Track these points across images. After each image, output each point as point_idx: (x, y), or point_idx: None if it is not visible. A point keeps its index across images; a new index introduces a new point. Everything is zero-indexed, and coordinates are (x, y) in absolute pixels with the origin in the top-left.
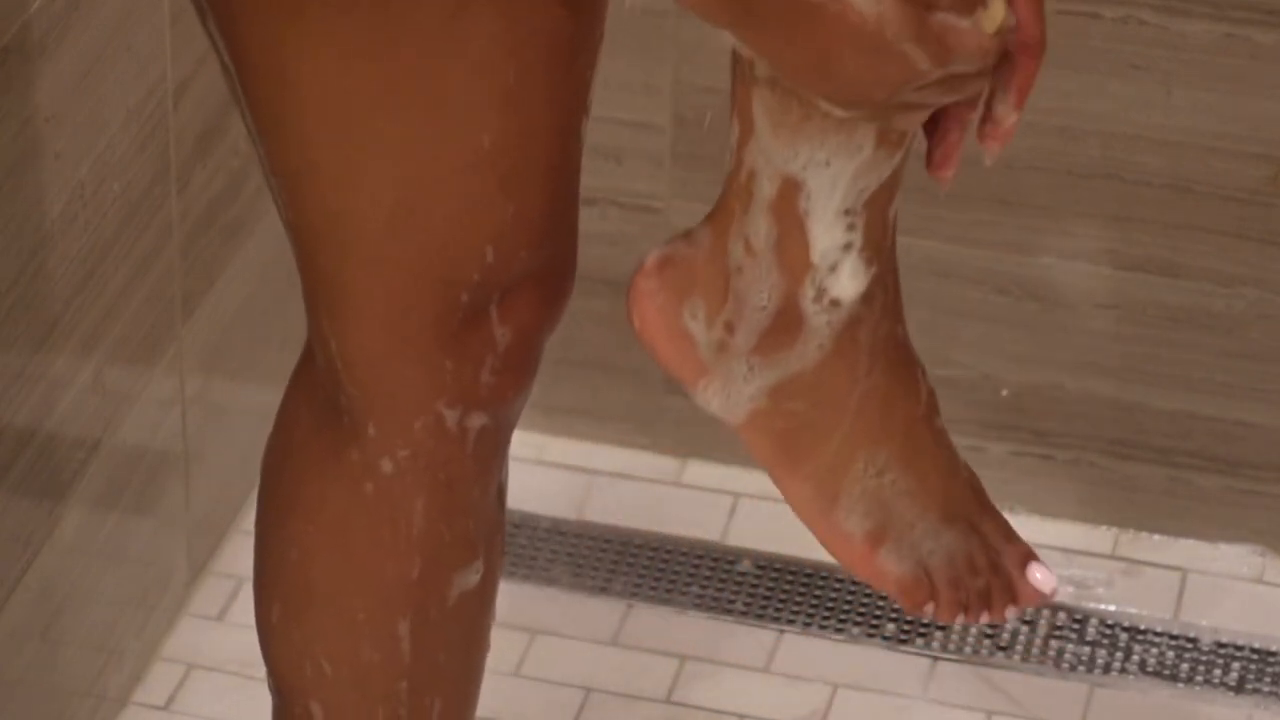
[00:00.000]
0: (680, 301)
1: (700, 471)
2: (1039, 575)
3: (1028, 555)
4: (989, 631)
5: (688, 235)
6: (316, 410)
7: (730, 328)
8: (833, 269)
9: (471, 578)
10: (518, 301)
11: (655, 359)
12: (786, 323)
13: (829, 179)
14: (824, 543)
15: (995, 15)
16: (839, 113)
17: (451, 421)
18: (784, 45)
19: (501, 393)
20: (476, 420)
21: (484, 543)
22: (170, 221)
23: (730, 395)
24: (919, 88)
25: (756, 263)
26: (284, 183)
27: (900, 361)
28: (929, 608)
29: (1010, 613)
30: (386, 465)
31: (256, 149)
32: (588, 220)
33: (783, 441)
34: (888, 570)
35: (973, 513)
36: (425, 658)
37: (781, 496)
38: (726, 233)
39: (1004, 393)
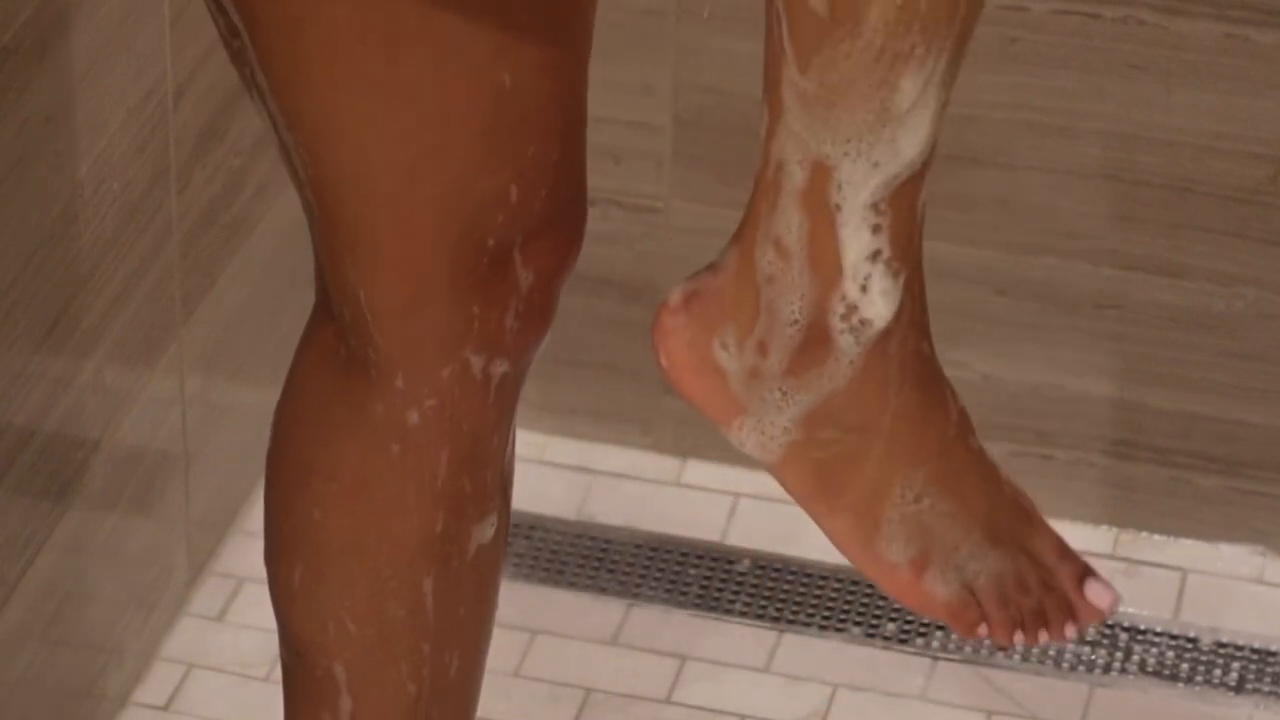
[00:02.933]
0: (710, 333)
1: (700, 471)
2: (1096, 590)
3: (1084, 571)
4: None
5: (711, 266)
6: (335, 371)
7: (763, 348)
8: (864, 288)
9: (488, 531)
10: (539, 245)
11: (686, 398)
12: (817, 337)
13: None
14: (868, 575)
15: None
16: None
17: (477, 369)
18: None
19: (524, 338)
20: (499, 367)
21: (498, 496)
22: (170, 221)
23: (765, 429)
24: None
25: (788, 266)
26: (302, 138)
27: (928, 379)
28: (982, 629)
29: (1070, 631)
30: (413, 417)
31: (268, 108)
32: (588, 220)
33: (819, 473)
34: (935, 595)
35: (1020, 532)
36: (446, 613)
37: (782, 496)
38: (754, 244)
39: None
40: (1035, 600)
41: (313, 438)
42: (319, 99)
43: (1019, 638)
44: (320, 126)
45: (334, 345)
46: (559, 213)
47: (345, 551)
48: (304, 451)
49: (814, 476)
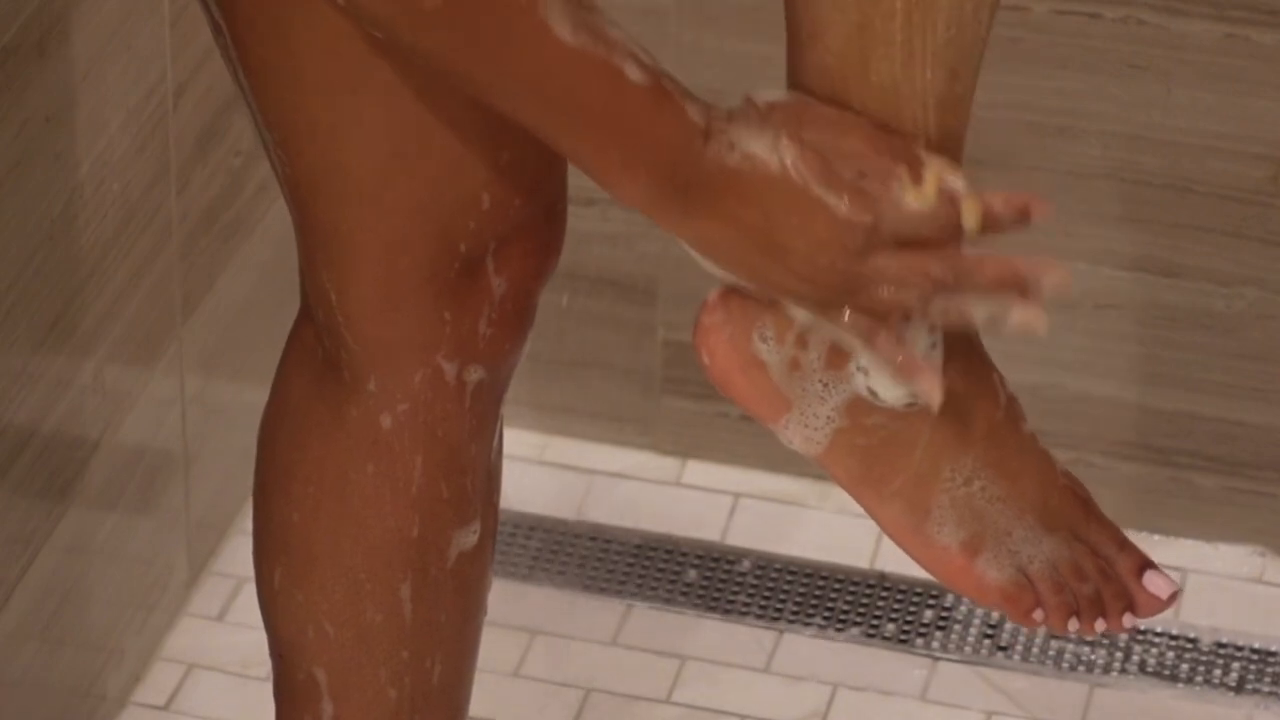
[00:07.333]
0: (749, 328)
1: (700, 471)
2: (1156, 580)
3: (1143, 562)
4: (989, 631)
5: None
6: (314, 372)
7: (802, 341)
8: None
9: (469, 538)
10: (513, 252)
11: (729, 395)
12: None
13: None
14: (919, 560)
15: (926, 194)
16: (813, 314)
17: (450, 375)
18: (724, 225)
19: (498, 345)
20: (474, 374)
21: (481, 503)
22: (170, 221)
23: (809, 421)
24: (872, 252)
25: None
26: (279, 136)
27: (974, 362)
28: (1037, 614)
29: (1128, 620)
30: (386, 421)
31: (249, 105)
32: (588, 220)
33: (867, 460)
34: (989, 580)
35: (1076, 521)
36: (425, 619)
37: (782, 496)
38: None
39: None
40: (1092, 588)
41: (292, 439)
42: (294, 97)
43: (1074, 625)
44: (295, 124)
45: (313, 347)
46: (534, 221)
47: (323, 555)
48: (286, 452)
49: (861, 464)
